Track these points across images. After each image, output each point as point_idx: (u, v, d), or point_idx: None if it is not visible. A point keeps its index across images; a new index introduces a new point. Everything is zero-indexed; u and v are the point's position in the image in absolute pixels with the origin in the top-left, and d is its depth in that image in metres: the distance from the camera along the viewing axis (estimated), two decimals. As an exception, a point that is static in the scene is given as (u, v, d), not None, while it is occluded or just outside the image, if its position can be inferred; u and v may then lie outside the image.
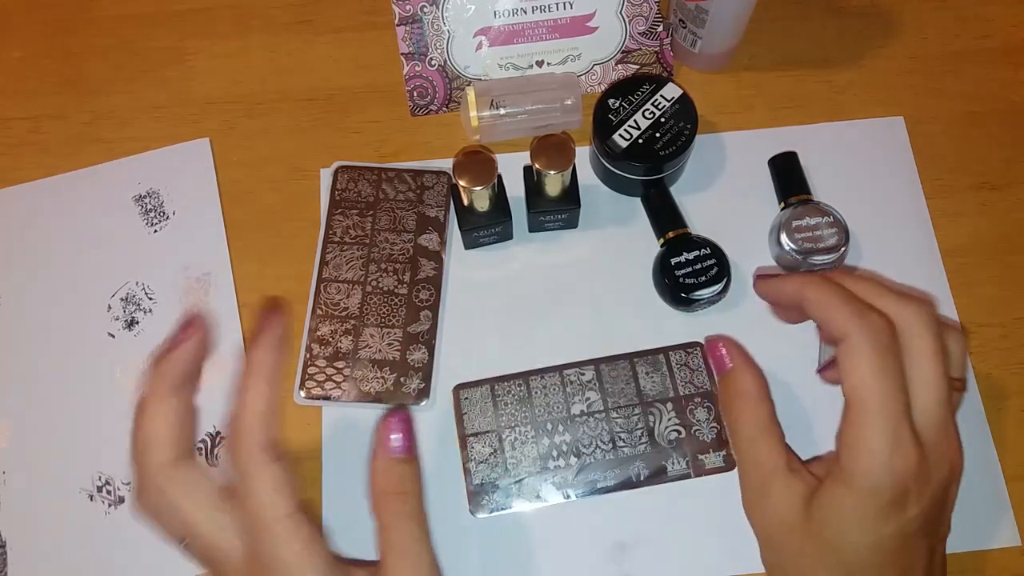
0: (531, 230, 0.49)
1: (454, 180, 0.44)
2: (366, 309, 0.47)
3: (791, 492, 0.35)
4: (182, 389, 0.34)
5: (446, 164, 0.50)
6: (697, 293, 0.45)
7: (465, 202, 0.46)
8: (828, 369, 0.39)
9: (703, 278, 0.46)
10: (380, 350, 0.46)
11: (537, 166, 0.44)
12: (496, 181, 0.45)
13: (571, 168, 0.45)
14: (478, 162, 0.44)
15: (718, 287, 0.45)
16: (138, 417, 0.33)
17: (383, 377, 0.46)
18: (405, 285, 0.48)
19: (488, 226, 0.47)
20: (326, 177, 0.50)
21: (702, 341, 0.47)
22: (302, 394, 0.45)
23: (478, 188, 0.44)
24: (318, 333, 0.47)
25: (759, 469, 0.36)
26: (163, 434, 0.33)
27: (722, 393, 0.40)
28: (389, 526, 0.33)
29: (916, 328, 0.34)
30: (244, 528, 0.32)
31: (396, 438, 0.35)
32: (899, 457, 0.32)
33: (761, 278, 0.39)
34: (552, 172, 0.44)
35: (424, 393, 0.45)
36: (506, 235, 0.49)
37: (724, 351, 0.39)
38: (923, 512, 0.33)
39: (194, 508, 0.32)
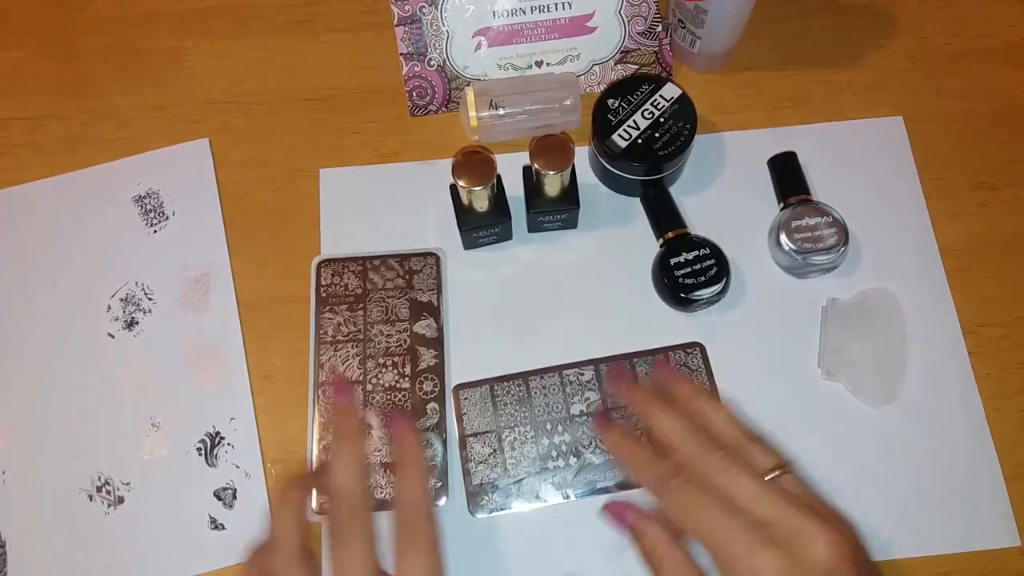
0: (530, 230, 0.49)
1: (453, 180, 0.44)
2: (369, 410, 0.45)
3: None
4: None
5: (446, 164, 0.50)
6: (696, 293, 0.45)
7: (464, 202, 0.46)
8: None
9: (702, 278, 0.46)
10: (390, 452, 0.44)
11: (536, 166, 0.44)
12: (495, 181, 0.45)
13: (570, 168, 0.45)
14: (477, 162, 0.44)
15: (717, 287, 0.45)
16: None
17: None
18: (407, 379, 0.46)
19: (487, 226, 0.47)
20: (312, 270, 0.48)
21: (701, 342, 0.47)
22: (314, 508, 0.43)
23: (477, 188, 0.44)
24: (324, 443, 0.44)
25: None
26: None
27: (638, 548, 0.39)
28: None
29: (703, 463, 0.36)
30: None
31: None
32: (754, 558, 0.32)
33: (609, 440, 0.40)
34: (551, 172, 0.44)
35: (442, 492, 0.44)
36: (505, 235, 0.49)
37: (622, 513, 0.39)
38: None
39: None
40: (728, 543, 0.34)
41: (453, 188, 0.46)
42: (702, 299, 0.45)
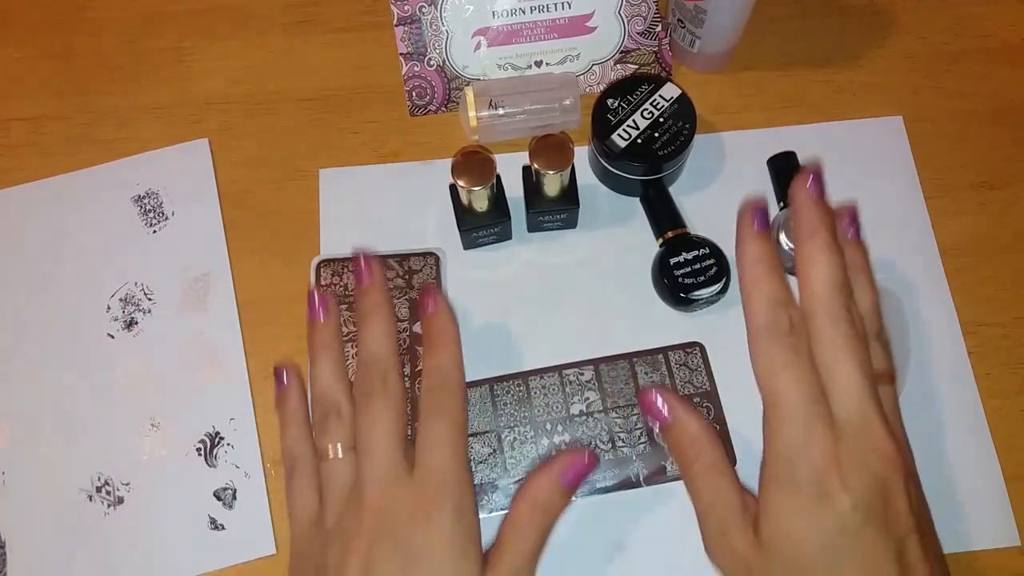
0: (530, 230, 0.49)
1: (453, 180, 0.44)
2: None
3: (746, 528, 0.34)
4: None
5: (446, 164, 0.50)
6: (696, 293, 0.45)
7: (464, 202, 0.46)
8: None
9: (702, 278, 0.46)
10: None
11: (536, 166, 0.44)
12: (495, 181, 0.45)
13: (570, 168, 0.45)
14: (477, 162, 0.44)
15: (717, 287, 0.45)
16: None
17: None
18: (407, 379, 0.46)
19: (487, 226, 0.47)
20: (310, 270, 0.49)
21: (701, 342, 0.47)
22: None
23: (477, 188, 0.44)
24: None
25: (717, 512, 0.36)
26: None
27: (670, 445, 0.39)
28: (521, 528, 0.37)
29: (822, 315, 0.34)
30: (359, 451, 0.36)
31: (576, 474, 0.38)
32: (812, 445, 0.32)
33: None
34: (551, 172, 0.44)
35: None
36: (505, 235, 0.49)
37: (660, 402, 0.38)
38: (859, 503, 0.32)
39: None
40: (795, 420, 0.33)
41: (453, 188, 0.46)
42: (702, 299, 0.45)
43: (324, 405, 0.38)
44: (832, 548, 0.32)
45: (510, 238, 0.49)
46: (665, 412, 0.38)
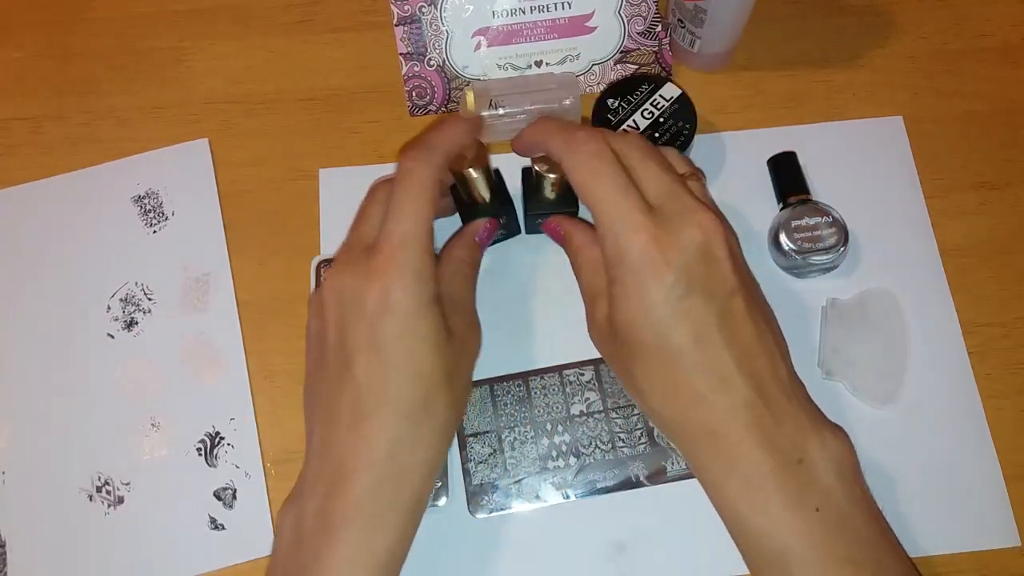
0: (528, 231, 0.49)
1: (451, 170, 0.43)
2: None
3: (604, 308, 0.39)
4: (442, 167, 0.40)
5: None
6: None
7: (464, 196, 0.45)
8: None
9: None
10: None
11: (537, 168, 0.44)
12: (494, 172, 0.44)
13: None
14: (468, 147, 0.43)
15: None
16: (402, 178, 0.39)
17: None
18: None
19: (492, 215, 0.46)
20: (311, 270, 0.49)
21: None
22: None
23: (474, 171, 0.43)
24: None
25: (589, 298, 0.42)
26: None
27: (568, 256, 0.45)
28: (458, 279, 0.43)
29: (627, 147, 0.39)
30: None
31: (485, 234, 0.45)
32: (631, 230, 0.36)
33: (514, 139, 0.44)
34: (551, 175, 0.44)
35: (442, 492, 0.44)
36: (512, 229, 0.48)
37: (556, 225, 0.45)
38: (680, 273, 0.35)
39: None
40: (615, 214, 0.37)
41: (454, 188, 0.46)
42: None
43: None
44: (662, 320, 0.36)
45: (519, 232, 0.49)
46: (560, 230, 0.45)
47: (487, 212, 0.46)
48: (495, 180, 0.46)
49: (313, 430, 0.38)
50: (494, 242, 0.49)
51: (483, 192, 0.45)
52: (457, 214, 0.47)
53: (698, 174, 0.41)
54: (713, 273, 0.37)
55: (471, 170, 0.43)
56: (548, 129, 0.41)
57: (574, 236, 0.44)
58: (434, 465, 0.38)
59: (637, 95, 0.47)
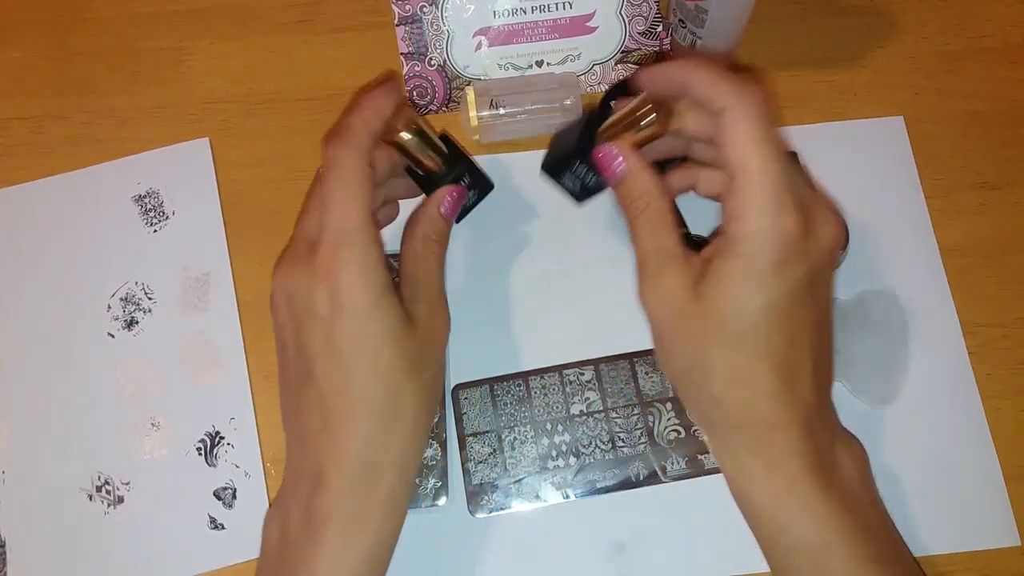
0: (579, 200, 0.45)
1: (388, 141, 0.41)
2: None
3: (683, 275, 0.36)
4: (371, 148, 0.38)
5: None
6: None
7: (417, 169, 0.43)
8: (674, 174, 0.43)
9: None
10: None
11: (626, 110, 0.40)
12: (441, 135, 0.42)
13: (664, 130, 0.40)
14: (397, 115, 0.40)
15: None
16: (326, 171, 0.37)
17: None
18: None
19: (454, 180, 0.43)
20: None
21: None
22: None
23: (407, 135, 0.40)
24: None
25: (655, 256, 0.38)
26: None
27: (621, 196, 0.40)
28: (423, 259, 0.41)
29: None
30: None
31: (451, 202, 0.42)
32: (785, 215, 0.33)
33: (648, 70, 0.39)
34: (642, 130, 0.39)
35: (442, 492, 0.44)
36: (482, 187, 0.45)
37: (618, 155, 0.39)
38: (810, 271, 0.34)
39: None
40: (774, 188, 0.33)
41: (408, 168, 0.43)
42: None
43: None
44: (773, 311, 0.34)
45: (491, 187, 0.46)
46: (620, 163, 0.39)
47: (447, 179, 0.43)
48: (439, 139, 0.42)
49: (290, 435, 0.39)
50: (469, 208, 0.46)
51: (429, 155, 0.42)
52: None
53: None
54: (827, 278, 0.37)
55: (403, 135, 0.40)
56: (709, 68, 0.36)
57: (641, 177, 0.39)
58: (412, 457, 0.38)
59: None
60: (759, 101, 0.34)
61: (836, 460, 0.37)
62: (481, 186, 0.46)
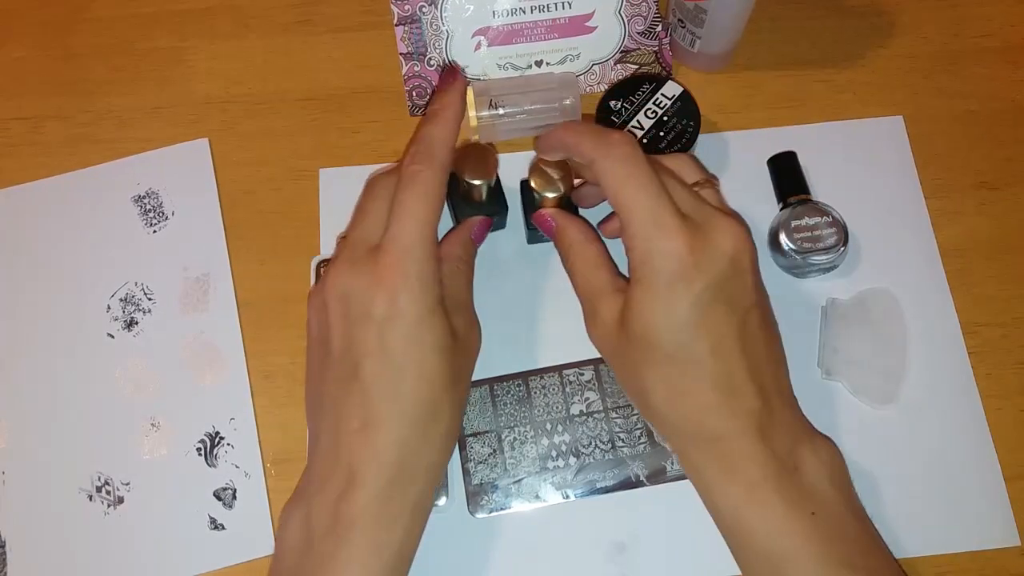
0: (529, 242, 0.49)
1: (455, 171, 0.43)
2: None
3: (613, 308, 0.39)
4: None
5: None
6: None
7: (462, 193, 0.45)
8: (605, 223, 0.46)
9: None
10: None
11: (533, 185, 0.44)
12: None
13: (569, 189, 0.44)
14: (479, 156, 0.44)
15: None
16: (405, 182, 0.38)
17: None
18: None
19: (488, 213, 0.46)
20: (311, 267, 0.48)
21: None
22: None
23: (478, 182, 0.43)
24: None
25: (590, 296, 0.41)
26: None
27: (560, 251, 0.44)
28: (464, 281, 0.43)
29: (641, 162, 0.38)
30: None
31: (479, 232, 0.45)
32: (664, 237, 0.36)
33: (539, 138, 0.44)
34: (549, 194, 0.44)
35: (442, 492, 0.43)
36: (500, 225, 0.49)
37: (548, 217, 0.44)
38: (712, 282, 0.36)
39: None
40: (650, 216, 0.36)
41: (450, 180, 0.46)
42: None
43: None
44: (685, 326, 0.36)
45: (504, 227, 0.49)
46: (552, 223, 0.44)
47: (481, 211, 0.46)
48: (494, 182, 0.45)
49: (319, 432, 0.38)
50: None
51: (481, 195, 0.46)
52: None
53: (712, 180, 0.41)
54: (738, 285, 0.37)
55: (476, 181, 0.44)
56: (579, 130, 0.40)
57: (568, 230, 0.43)
58: (440, 467, 0.39)
59: (639, 95, 0.47)
60: (618, 143, 0.38)
61: (799, 463, 0.37)
62: (500, 224, 0.49)
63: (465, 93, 0.42)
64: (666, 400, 0.37)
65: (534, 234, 0.48)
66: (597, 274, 0.41)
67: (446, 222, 0.49)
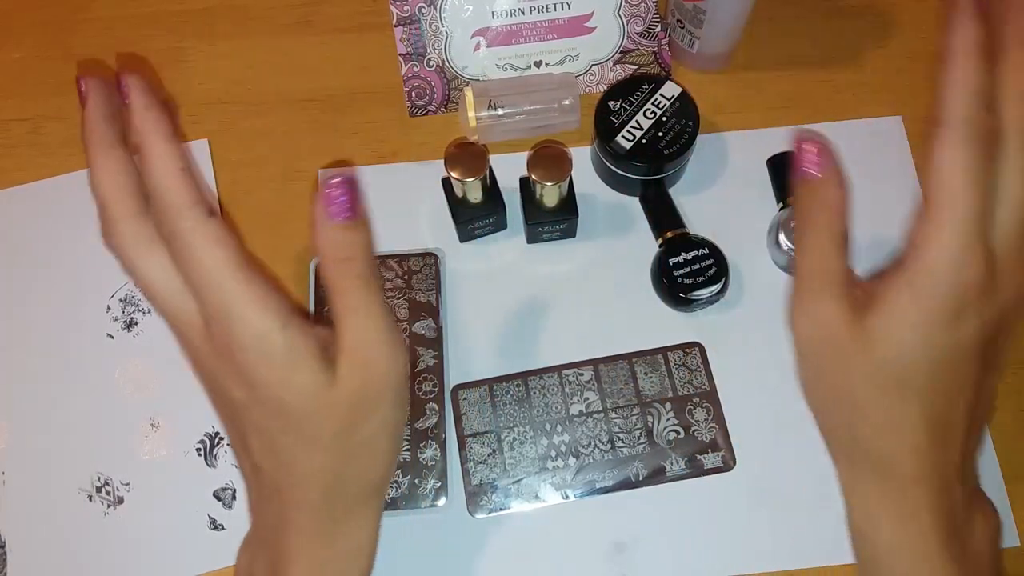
0: (529, 241, 0.49)
1: (447, 173, 0.44)
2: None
3: (846, 301, 0.33)
4: (120, 142, 0.33)
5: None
6: (695, 293, 0.45)
7: (458, 194, 0.46)
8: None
9: (701, 278, 0.46)
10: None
11: (534, 178, 0.44)
12: (488, 172, 0.44)
13: (568, 180, 0.45)
14: (470, 154, 0.44)
15: (716, 287, 0.45)
16: (92, 171, 0.32)
17: (397, 481, 0.44)
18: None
19: (482, 217, 0.47)
20: (311, 271, 0.49)
21: (700, 342, 0.47)
22: None
23: (470, 180, 0.44)
24: None
25: (820, 276, 0.34)
26: (121, 183, 0.31)
27: (802, 200, 0.36)
28: (340, 290, 0.32)
29: (1019, 141, 0.31)
30: (195, 290, 0.30)
31: (340, 202, 0.31)
32: (968, 260, 0.30)
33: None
34: (549, 184, 0.44)
35: (442, 492, 0.44)
36: (500, 225, 0.49)
37: (817, 156, 0.36)
38: (982, 328, 0.31)
39: (147, 270, 0.31)
40: (965, 226, 0.30)
41: (446, 181, 0.46)
42: (701, 299, 0.45)
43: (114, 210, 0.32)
44: (937, 362, 0.31)
45: (505, 227, 0.49)
46: (817, 168, 0.36)
47: (480, 212, 0.46)
48: (487, 181, 0.45)
49: (252, 514, 0.36)
50: (481, 235, 0.49)
51: (476, 195, 0.46)
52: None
53: None
54: (999, 343, 0.33)
55: (468, 179, 0.43)
56: (965, 76, 0.31)
57: (829, 189, 0.36)
58: (376, 482, 0.34)
59: (638, 95, 0.47)
60: (981, 130, 0.31)
61: (971, 528, 0.35)
62: (499, 225, 0.49)
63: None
64: (876, 426, 0.33)
65: (534, 234, 0.48)
66: (840, 255, 0.35)
67: (446, 221, 0.49)
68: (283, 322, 0.30)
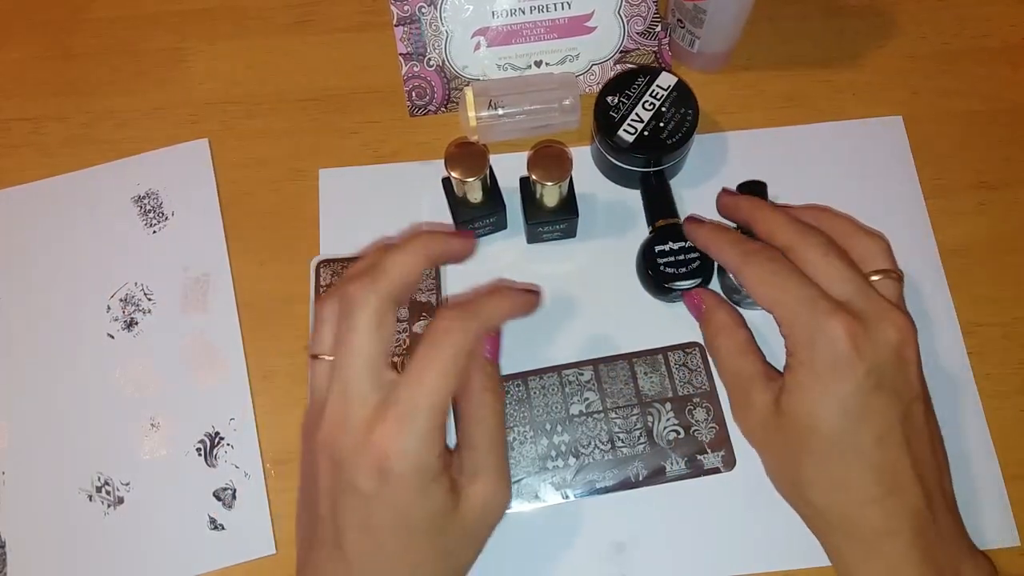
0: (529, 241, 0.49)
1: (447, 172, 0.44)
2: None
3: (767, 392, 0.38)
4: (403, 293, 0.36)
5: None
6: (676, 284, 0.45)
7: (458, 194, 0.46)
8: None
9: (683, 270, 0.45)
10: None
11: (534, 177, 0.44)
12: (488, 172, 0.44)
13: (568, 179, 0.45)
14: (470, 154, 0.44)
15: (696, 281, 0.45)
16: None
17: None
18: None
19: (482, 217, 0.47)
20: (310, 271, 0.49)
21: (701, 342, 0.47)
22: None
23: (471, 179, 0.43)
24: None
25: (740, 383, 0.40)
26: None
27: (705, 335, 0.43)
28: (478, 419, 0.37)
29: (801, 243, 0.38)
30: (392, 384, 0.34)
31: (495, 341, 0.39)
32: (826, 318, 0.35)
33: (725, 193, 0.45)
34: (549, 183, 0.44)
35: None
36: (500, 225, 0.49)
37: (698, 299, 0.44)
38: (872, 368, 0.34)
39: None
40: (801, 308, 0.36)
41: (446, 181, 0.46)
42: (681, 290, 0.45)
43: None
44: (849, 410, 0.34)
45: (505, 227, 0.49)
46: (701, 305, 0.43)
47: (479, 212, 0.46)
48: (488, 181, 0.45)
49: (302, 566, 0.37)
50: (481, 235, 0.49)
51: (476, 195, 0.46)
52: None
53: (897, 272, 0.39)
54: (902, 375, 0.36)
55: (468, 179, 0.43)
56: (719, 240, 0.41)
57: (716, 314, 0.42)
58: None
59: (635, 88, 0.47)
60: (756, 253, 0.38)
61: (960, 570, 0.35)
62: (499, 225, 0.49)
63: (528, 308, 0.40)
64: (824, 491, 0.36)
65: (534, 234, 0.48)
66: (748, 359, 0.40)
67: (446, 221, 0.49)
68: (440, 450, 0.34)
